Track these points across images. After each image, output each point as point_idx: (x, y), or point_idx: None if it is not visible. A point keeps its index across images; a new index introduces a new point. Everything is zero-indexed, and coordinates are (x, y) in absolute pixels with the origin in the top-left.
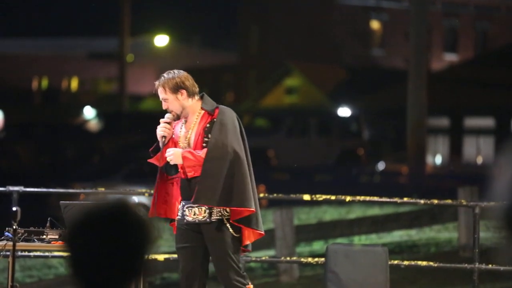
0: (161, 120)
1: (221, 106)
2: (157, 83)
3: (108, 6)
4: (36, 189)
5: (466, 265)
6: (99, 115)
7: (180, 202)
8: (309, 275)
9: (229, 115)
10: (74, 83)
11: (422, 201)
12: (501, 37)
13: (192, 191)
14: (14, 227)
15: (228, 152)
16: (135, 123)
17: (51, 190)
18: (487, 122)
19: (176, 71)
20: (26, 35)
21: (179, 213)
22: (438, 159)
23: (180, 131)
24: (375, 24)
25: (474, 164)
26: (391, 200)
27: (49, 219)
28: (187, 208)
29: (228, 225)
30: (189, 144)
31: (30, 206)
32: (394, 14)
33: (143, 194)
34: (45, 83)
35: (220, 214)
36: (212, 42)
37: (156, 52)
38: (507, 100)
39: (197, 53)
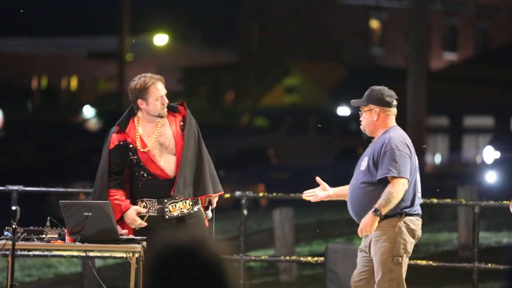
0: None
1: None
2: (158, 77)
3: (107, 5)
4: (35, 188)
5: (465, 264)
6: (98, 114)
7: (146, 201)
8: (308, 275)
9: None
10: (74, 82)
11: (421, 200)
12: (501, 36)
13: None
14: (14, 226)
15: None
16: None
17: (50, 189)
18: (487, 121)
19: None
20: (25, 34)
21: (154, 211)
22: (438, 158)
23: (144, 137)
24: (374, 23)
25: (473, 163)
26: None
27: (48, 218)
28: (170, 204)
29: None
30: (165, 146)
31: (29, 205)
32: (394, 13)
33: None
34: (44, 82)
35: (199, 204)
36: (211, 40)
37: (155, 51)
38: (506, 99)
39: (197, 52)
